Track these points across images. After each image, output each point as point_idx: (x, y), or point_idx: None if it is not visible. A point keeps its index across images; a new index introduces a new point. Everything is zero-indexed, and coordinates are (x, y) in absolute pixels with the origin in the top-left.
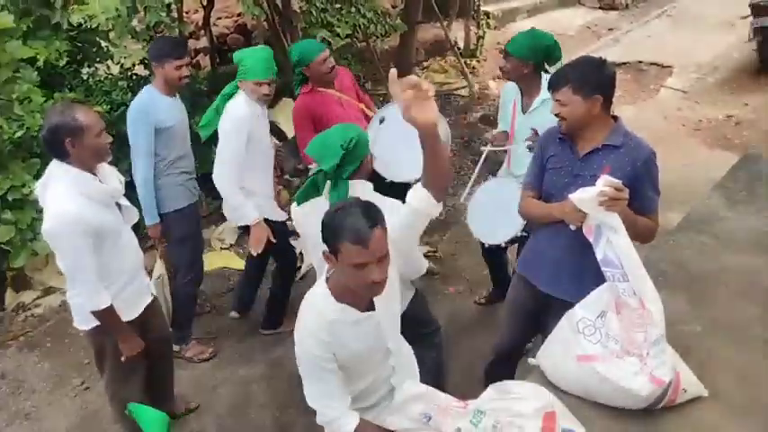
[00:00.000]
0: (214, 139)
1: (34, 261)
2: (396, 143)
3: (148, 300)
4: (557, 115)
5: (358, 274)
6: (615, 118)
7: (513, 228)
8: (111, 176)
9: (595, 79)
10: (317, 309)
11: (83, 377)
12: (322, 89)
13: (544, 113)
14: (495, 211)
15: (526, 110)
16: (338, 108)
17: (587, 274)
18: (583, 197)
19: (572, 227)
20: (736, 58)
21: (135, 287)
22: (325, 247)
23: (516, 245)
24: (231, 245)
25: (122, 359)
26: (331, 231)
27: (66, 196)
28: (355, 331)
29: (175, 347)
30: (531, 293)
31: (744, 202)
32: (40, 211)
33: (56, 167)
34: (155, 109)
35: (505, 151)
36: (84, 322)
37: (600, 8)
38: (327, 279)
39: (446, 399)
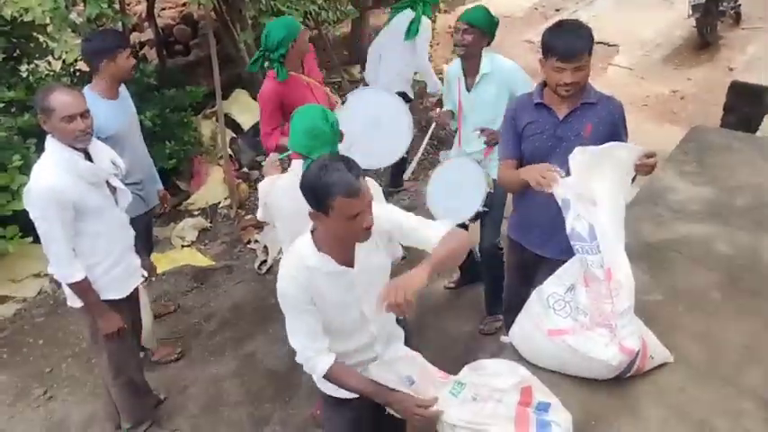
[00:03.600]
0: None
1: None
2: (359, 131)
3: (139, 281)
4: (573, 83)
5: (353, 224)
6: None
7: (474, 204)
8: (103, 156)
9: (592, 40)
10: (299, 253)
11: (45, 387)
12: (294, 73)
13: (488, 88)
14: (454, 192)
15: (470, 87)
16: (308, 93)
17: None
18: (565, 183)
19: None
20: (677, 34)
21: (124, 267)
22: (309, 209)
23: (479, 222)
24: (192, 241)
25: (109, 334)
26: (321, 190)
27: (46, 169)
28: (329, 282)
29: (141, 354)
30: (524, 255)
31: (694, 173)
32: None
33: (47, 141)
34: (94, 116)
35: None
36: (75, 300)
37: None
38: (313, 231)
39: (431, 369)
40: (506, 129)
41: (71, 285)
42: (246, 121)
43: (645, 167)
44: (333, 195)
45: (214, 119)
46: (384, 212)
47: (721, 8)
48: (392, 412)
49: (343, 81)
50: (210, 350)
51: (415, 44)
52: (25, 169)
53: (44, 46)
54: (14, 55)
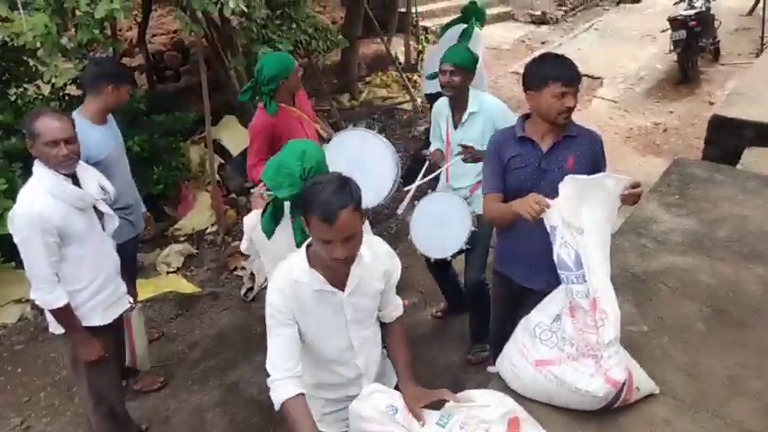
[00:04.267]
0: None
1: None
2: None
3: (124, 307)
4: (573, 107)
5: (323, 247)
6: None
7: (458, 241)
8: (90, 182)
9: None
10: (289, 266)
11: (22, 416)
12: (284, 105)
13: (474, 126)
14: (438, 226)
15: (458, 124)
16: (299, 127)
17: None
18: (554, 209)
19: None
20: (659, 68)
21: (108, 293)
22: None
23: (463, 255)
24: (178, 268)
25: (90, 362)
26: (304, 202)
27: (31, 194)
28: (317, 300)
29: (123, 383)
30: (511, 287)
31: (677, 204)
32: None
33: (35, 166)
34: (84, 141)
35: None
36: (57, 326)
37: (531, 23)
38: (308, 246)
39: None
40: (491, 162)
41: (53, 311)
42: (235, 147)
43: (631, 197)
44: (310, 212)
45: (203, 144)
46: (392, 258)
47: (701, 44)
48: None
49: (333, 109)
50: (194, 379)
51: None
52: (10, 193)
53: (33, 70)
54: (3, 78)
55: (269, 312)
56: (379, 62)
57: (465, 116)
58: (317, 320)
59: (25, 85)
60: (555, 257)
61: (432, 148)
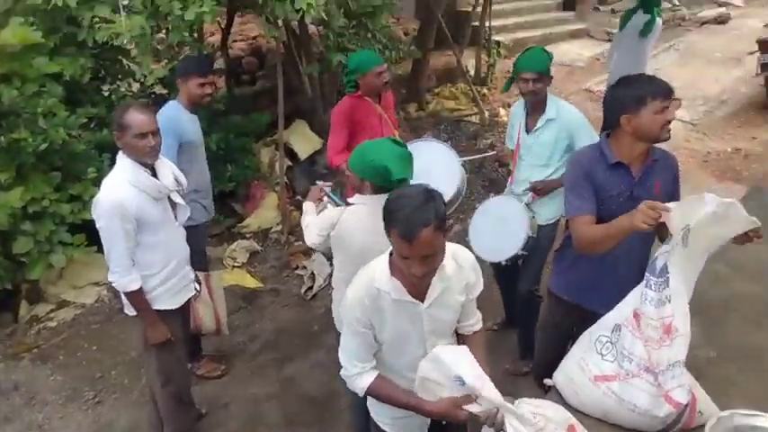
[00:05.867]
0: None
1: (49, 274)
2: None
3: (191, 293)
4: (671, 121)
5: (402, 262)
6: None
7: (514, 245)
8: (166, 173)
9: None
10: (371, 274)
11: (95, 391)
12: (368, 98)
13: (548, 132)
14: (496, 229)
15: (530, 129)
16: (377, 122)
17: None
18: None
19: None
20: (743, 92)
21: (178, 279)
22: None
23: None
24: (243, 263)
25: (157, 343)
26: (386, 214)
27: (114, 183)
28: (395, 309)
29: (189, 364)
30: (576, 314)
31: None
32: (58, 222)
33: (118, 157)
34: (180, 122)
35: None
36: (131, 309)
37: (608, 40)
38: (391, 253)
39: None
40: (579, 183)
41: (127, 294)
42: (303, 151)
43: (746, 240)
44: (390, 226)
45: (274, 146)
46: (476, 270)
47: None
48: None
49: (400, 118)
50: (252, 370)
51: (647, 42)
52: (98, 182)
53: (126, 68)
54: (99, 75)
55: (345, 316)
56: (449, 74)
57: (541, 122)
58: (394, 329)
59: (118, 82)
60: (658, 260)
61: (506, 148)
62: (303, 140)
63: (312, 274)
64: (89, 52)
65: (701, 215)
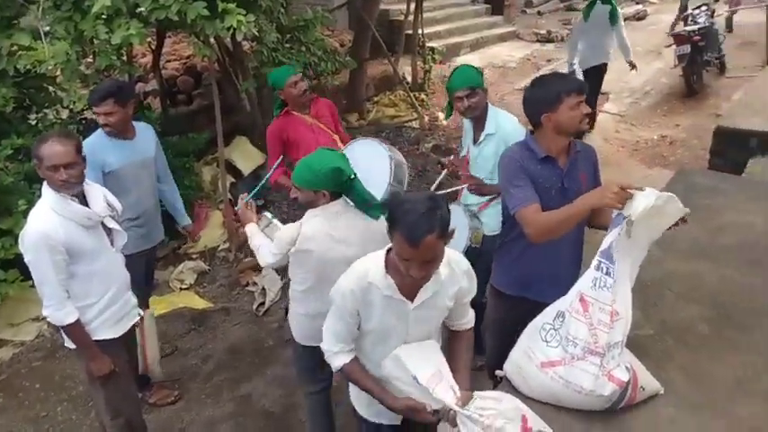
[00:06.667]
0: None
1: None
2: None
3: (134, 320)
4: (587, 114)
5: (401, 263)
6: None
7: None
8: (97, 199)
9: None
10: (366, 266)
11: (41, 431)
12: (295, 112)
13: (489, 147)
14: None
15: (476, 142)
16: (308, 132)
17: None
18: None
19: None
20: (664, 82)
21: (118, 307)
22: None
23: None
24: (191, 284)
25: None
26: (392, 217)
27: (39, 214)
28: (384, 304)
29: (139, 393)
30: (525, 307)
31: None
32: None
33: (43, 186)
34: (99, 152)
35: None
36: (71, 342)
37: (537, 41)
38: (388, 250)
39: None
40: (518, 176)
41: (63, 328)
42: (246, 167)
43: (675, 225)
44: (395, 229)
45: (215, 164)
46: (470, 276)
47: (706, 58)
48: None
49: (342, 128)
50: (207, 392)
51: (617, 27)
52: (29, 214)
53: (53, 95)
54: (24, 104)
55: (334, 301)
56: (387, 82)
57: (482, 136)
58: (379, 322)
59: (45, 110)
60: (605, 244)
61: (457, 157)
62: (245, 156)
63: (263, 289)
64: (11, 81)
65: (641, 208)
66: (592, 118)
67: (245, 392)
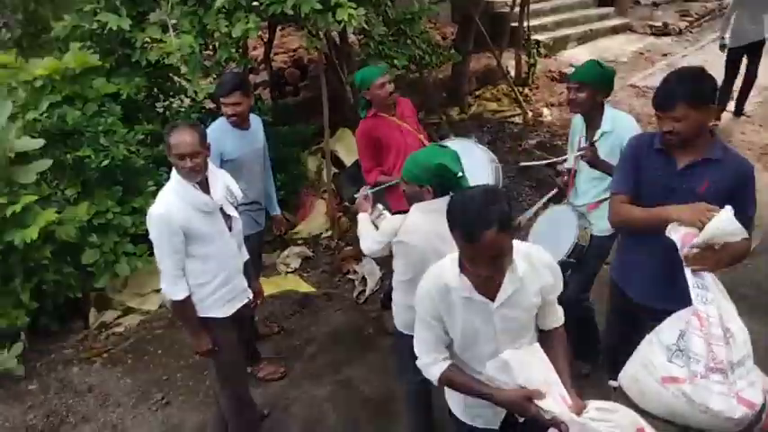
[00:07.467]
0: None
1: (115, 283)
2: None
3: (244, 302)
4: (669, 132)
5: (467, 261)
6: (712, 132)
7: (560, 252)
8: (218, 185)
9: (708, 89)
10: (441, 269)
11: (162, 393)
12: (383, 114)
13: (604, 147)
14: (547, 237)
15: (589, 140)
16: (397, 134)
17: (683, 285)
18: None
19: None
20: None
21: (229, 289)
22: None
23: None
24: (295, 269)
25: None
26: (449, 216)
27: (164, 197)
28: (465, 307)
29: (249, 367)
30: (625, 300)
31: None
32: (122, 234)
33: (172, 171)
34: (220, 140)
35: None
36: None
37: (652, 34)
38: None
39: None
40: (626, 163)
41: (173, 302)
42: (349, 158)
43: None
44: (453, 227)
45: (320, 155)
46: (553, 271)
47: None
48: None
49: (442, 122)
50: (310, 372)
51: None
52: (157, 194)
53: (178, 86)
54: (152, 93)
55: (417, 309)
56: (490, 76)
57: (597, 134)
58: (464, 325)
59: (171, 99)
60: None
61: (567, 162)
62: (348, 147)
63: (363, 278)
64: (143, 72)
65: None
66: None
67: (346, 377)
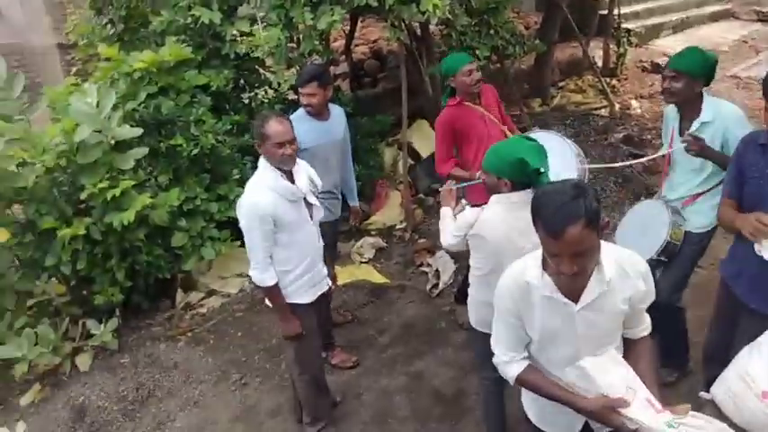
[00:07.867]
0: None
1: (200, 265)
2: None
3: (324, 288)
4: None
5: (550, 258)
6: None
7: (648, 250)
8: (302, 176)
9: None
10: (523, 266)
11: (241, 373)
12: (468, 103)
13: (704, 135)
14: (637, 234)
15: (684, 132)
16: (481, 124)
17: None
18: None
19: (755, 243)
20: None
21: (313, 275)
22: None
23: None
24: (369, 259)
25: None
26: (534, 209)
27: (255, 187)
28: (546, 306)
29: (323, 354)
30: (732, 300)
31: None
32: (208, 219)
33: (260, 161)
34: (297, 131)
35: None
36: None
37: (758, 20)
38: None
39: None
40: (733, 165)
41: (263, 289)
42: (425, 150)
43: None
44: (536, 221)
45: (396, 146)
46: (647, 279)
47: None
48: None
49: (523, 113)
50: (382, 363)
51: None
52: (241, 182)
53: (263, 77)
54: (239, 85)
55: (496, 305)
56: (575, 66)
57: (696, 124)
58: (543, 326)
59: (256, 90)
60: None
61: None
62: (425, 139)
63: (437, 271)
64: (231, 64)
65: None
66: None
67: (418, 369)
